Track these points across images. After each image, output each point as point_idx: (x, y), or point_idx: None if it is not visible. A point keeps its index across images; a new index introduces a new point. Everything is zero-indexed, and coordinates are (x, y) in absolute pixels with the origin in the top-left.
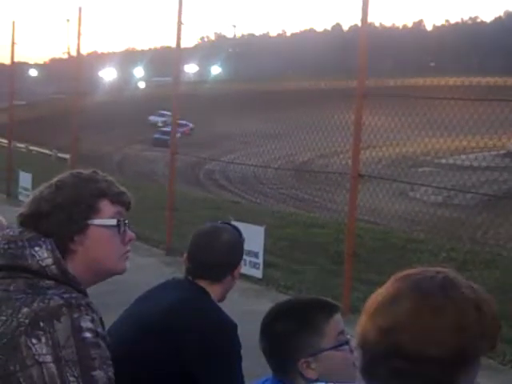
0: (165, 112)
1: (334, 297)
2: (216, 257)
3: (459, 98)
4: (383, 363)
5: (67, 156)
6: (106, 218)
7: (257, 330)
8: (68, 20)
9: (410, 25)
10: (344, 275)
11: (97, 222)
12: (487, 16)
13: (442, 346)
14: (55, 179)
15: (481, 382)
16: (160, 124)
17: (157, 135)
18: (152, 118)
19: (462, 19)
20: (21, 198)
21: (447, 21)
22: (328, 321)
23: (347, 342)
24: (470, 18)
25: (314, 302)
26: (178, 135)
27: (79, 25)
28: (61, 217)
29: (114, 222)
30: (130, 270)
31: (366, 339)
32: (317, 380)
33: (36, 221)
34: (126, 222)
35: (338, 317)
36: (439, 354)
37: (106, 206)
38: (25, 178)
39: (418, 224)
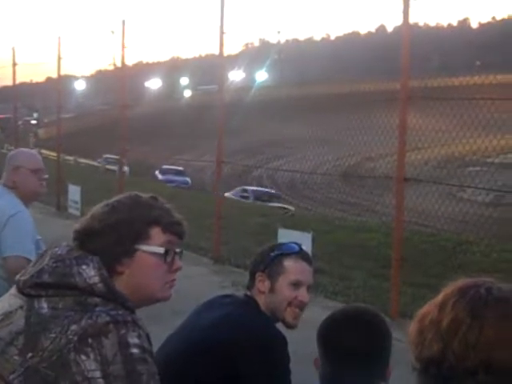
0: (110, 156)
1: (382, 301)
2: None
3: (504, 98)
4: (466, 380)
5: (115, 168)
6: (154, 245)
7: (307, 336)
8: (113, 32)
9: (454, 23)
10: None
11: (145, 248)
12: None
13: None
14: (114, 199)
15: None
16: (128, 171)
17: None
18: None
19: (508, 15)
20: (70, 210)
21: (493, 18)
22: None
23: None
24: None
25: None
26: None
27: (123, 37)
28: (110, 237)
29: (161, 250)
30: (180, 280)
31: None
32: None
33: (85, 238)
34: (177, 251)
35: None
36: None
37: (156, 233)
38: (74, 191)
39: (467, 225)
